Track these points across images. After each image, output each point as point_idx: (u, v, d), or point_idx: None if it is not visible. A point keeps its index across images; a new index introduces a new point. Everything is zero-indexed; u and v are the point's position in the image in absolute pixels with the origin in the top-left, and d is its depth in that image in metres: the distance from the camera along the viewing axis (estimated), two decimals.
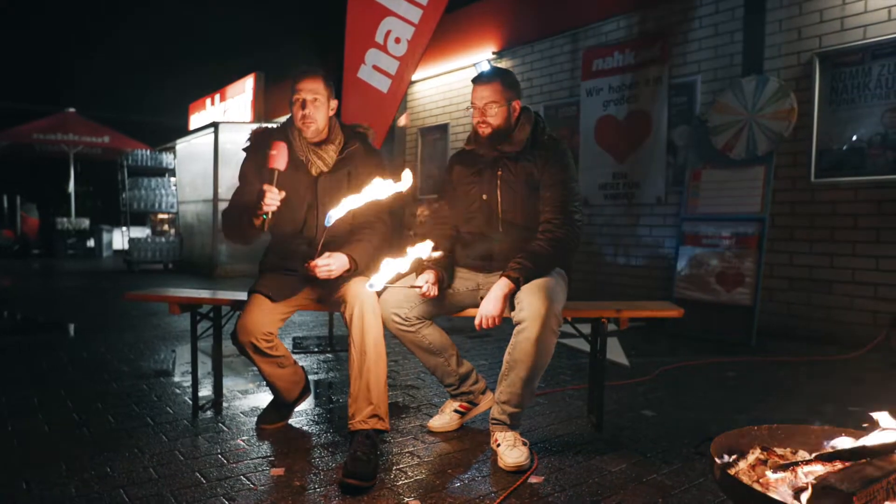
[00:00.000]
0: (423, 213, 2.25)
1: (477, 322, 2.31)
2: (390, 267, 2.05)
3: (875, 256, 4.44)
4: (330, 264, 2.36)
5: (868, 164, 4.49)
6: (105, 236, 14.56)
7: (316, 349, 4.29)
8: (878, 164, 4.43)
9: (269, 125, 2.74)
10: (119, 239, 14.53)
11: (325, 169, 2.54)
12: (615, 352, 4.22)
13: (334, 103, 2.59)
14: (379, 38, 3.95)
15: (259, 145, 2.55)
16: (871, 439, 1.48)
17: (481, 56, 7.81)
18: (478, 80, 2.53)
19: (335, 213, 2.16)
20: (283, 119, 2.74)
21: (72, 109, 14.33)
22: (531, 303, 2.21)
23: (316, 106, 2.47)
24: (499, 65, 7.56)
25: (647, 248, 6.02)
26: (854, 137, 4.55)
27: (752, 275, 4.71)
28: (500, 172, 2.51)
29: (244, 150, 2.62)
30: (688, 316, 4.91)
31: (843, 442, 1.58)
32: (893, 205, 4.35)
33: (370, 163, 2.58)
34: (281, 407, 2.71)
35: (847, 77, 4.59)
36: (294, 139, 2.53)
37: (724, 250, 4.90)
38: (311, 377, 3.54)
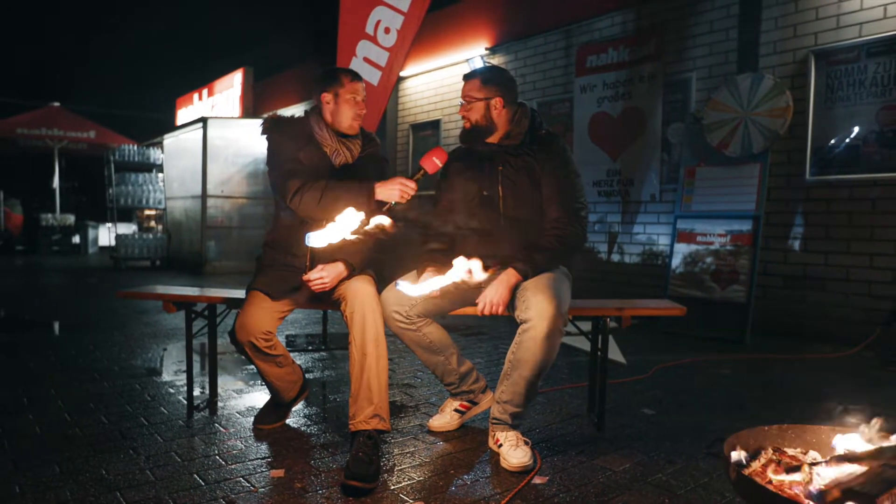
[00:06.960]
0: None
1: (480, 308, 2.31)
2: (435, 280, 2.04)
3: (869, 254, 4.46)
4: (323, 277, 2.34)
5: (863, 162, 4.50)
6: (91, 233, 14.37)
7: (310, 347, 4.24)
8: (873, 162, 4.45)
9: (281, 113, 2.69)
10: (105, 235, 14.35)
11: (349, 161, 2.55)
12: (612, 349, 4.20)
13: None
14: (369, 29, 3.91)
15: (279, 127, 2.54)
16: (885, 441, 1.46)
17: (474, 52, 7.76)
18: (464, 77, 2.56)
19: (315, 238, 2.03)
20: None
21: (56, 104, 14.12)
22: (538, 302, 2.18)
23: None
24: (491, 60, 7.53)
25: (642, 246, 6.01)
26: (849, 135, 4.56)
27: (747, 272, 4.71)
28: (500, 167, 2.48)
29: (266, 135, 2.55)
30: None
31: (855, 443, 1.57)
32: (888, 202, 4.37)
33: (380, 168, 2.60)
34: (279, 407, 2.67)
35: (842, 75, 4.59)
36: (318, 130, 2.52)
37: (718, 248, 4.90)
38: (306, 376, 3.49)
